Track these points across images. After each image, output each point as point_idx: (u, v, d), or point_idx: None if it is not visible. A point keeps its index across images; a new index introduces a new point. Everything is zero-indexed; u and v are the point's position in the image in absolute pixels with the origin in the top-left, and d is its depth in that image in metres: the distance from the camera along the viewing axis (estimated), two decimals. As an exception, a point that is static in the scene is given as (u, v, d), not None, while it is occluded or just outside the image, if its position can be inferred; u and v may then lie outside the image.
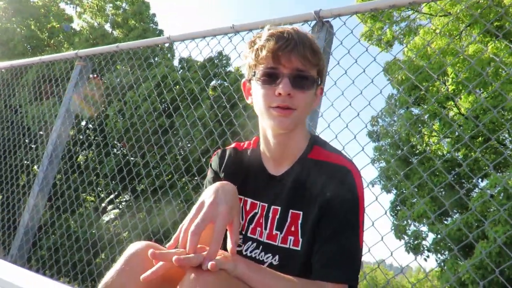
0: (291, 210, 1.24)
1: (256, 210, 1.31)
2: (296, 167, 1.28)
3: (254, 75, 1.22)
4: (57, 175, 5.33)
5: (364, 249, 2.24)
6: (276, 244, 1.23)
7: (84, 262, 3.56)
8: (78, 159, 10.27)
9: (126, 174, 3.79)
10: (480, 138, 9.10)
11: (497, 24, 10.86)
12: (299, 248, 1.20)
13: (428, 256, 10.50)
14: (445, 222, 10.35)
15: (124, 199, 13.39)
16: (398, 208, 11.36)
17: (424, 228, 10.55)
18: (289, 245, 1.21)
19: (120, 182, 4.02)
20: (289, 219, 1.24)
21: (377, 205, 2.41)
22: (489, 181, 7.68)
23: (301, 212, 1.22)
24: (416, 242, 10.33)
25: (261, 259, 1.25)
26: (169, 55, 14.86)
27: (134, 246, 1.17)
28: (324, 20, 2.76)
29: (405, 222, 10.53)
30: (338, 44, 2.73)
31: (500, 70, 9.54)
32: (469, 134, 8.18)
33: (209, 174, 1.45)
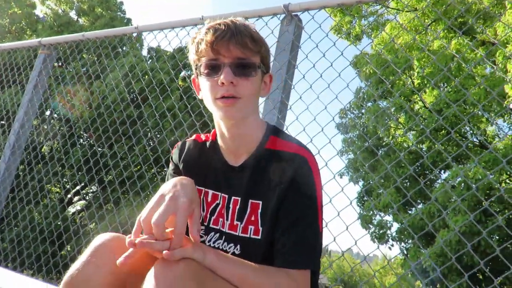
0: (250, 200, 1.26)
1: (218, 201, 1.33)
2: (253, 157, 1.30)
3: (198, 70, 1.25)
4: (20, 166, 5.17)
5: (330, 238, 2.32)
6: (237, 234, 1.26)
7: (48, 254, 3.48)
8: (43, 150, 9.97)
9: (93, 165, 3.73)
10: (443, 131, 9.43)
11: (461, 20, 11.22)
12: (259, 237, 1.23)
13: (392, 245, 10.87)
14: (409, 212, 10.70)
15: (91, 190, 13.13)
16: (365, 198, 11.65)
17: (389, 218, 10.92)
18: (250, 234, 1.24)
19: (87, 173, 3.95)
20: (248, 209, 1.26)
21: (344, 196, 2.47)
22: (451, 172, 7.98)
23: (260, 202, 1.25)
24: (381, 232, 10.66)
25: (224, 249, 1.27)
26: (137, 44, 14.58)
27: (101, 238, 1.16)
28: (293, 13, 2.78)
29: (371, 212, 10.82)
30: (307, 38, 2.77)
31: (463, 65, 9.87)
32: (432, 127, 8.45)
33: (170, 167, 1.46)
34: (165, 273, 0.94)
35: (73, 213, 12.72)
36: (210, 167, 1.36)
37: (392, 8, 12.30)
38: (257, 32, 1.25)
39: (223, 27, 1.18)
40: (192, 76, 1.36)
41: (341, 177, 12.10)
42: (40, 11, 17.27)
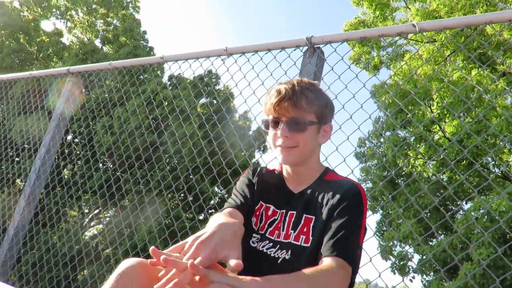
0: (305, 215, 1.47)
1: (276, 217, 1.55)
2: (312, 185, 1.54)
3: (266, 121, 1.53)
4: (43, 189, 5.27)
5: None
6: (290, 241, 1.45)
7: (70, 279, 3.50)
8: (64, 173, 10.15)
9: (116, 190, 3.78)
10: (464, 162, 9.30)
11: (480, 52, 11.21)
12: (308, 245, 1.40)
13: (413, 277, 10.57)
14: (430, 243, 10.44)
15: (109, 215, 13.23)
16: (384, 229, 11.43)
17: (410, 249, 10.64)
18: (301, 242, 1.42)
19: (108, 198, 4.01)
20: (302, 221, 1.47)
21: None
22: (473, 203, 7.82)
23: (314, 217, 1.45)
24: (402, 263, 10.40)
25: (275, 255, 1.44)
26: (158, 71, 14.94)
27: (126, 263, 1.19)
28: (315, 46, 2.83)
29: (391, 243, 10.59)
30: (329, 70, 2.81)
31: (483, 96, 9.80)
32: (454, 158, 8.34)
33: (243, 179, 1.71)
34: None
35: (91, 237, 12.79)
36: (276, 189, 1.62)
37: (412, 40, 12.38)
38: (316, 91, 1.50)
39: (284, 91, 1.46)
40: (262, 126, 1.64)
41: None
42: (66, 39, 17.94)
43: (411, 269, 10.44)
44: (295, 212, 1.51)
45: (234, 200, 1.64)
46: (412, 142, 10.07)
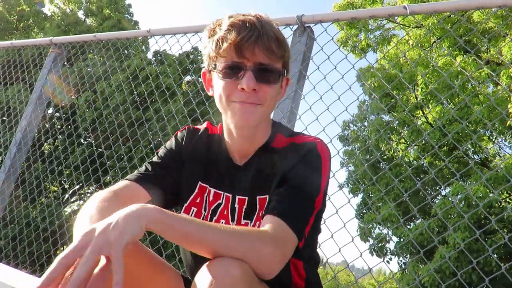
0: (258, 197, 1.21)
1: (220, 201, 1.25)
2: (258, 155, 1.24)
3: (215, 67, 1.15)
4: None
5: (335, 249, 2.33)
6: None
7: (50, 254, 3.48)
8: (44, 148, 9.99)
9: (99, 166, 3.74)
10: (445, 148, 9.47)
11: (466, 39, 11.29)
12: None
13: (390, 259, 10.86)
14: (408, 226, 10.69)
15: (89, 191, 13.14)
16: (364, 211, 11.64)
17: (388, 232, 10.89)
18: None
19: (90, 173, 3.97)
20: (258, 206, 1.20)
21: (344, 208, 2.49)
22: (452, 189, 8.00)
23: (267, 196, 1.19)
24: (379, 245, 10.65)
25: None
26: (143, 47, 14.67)
27: None
28: (305, 25, 2.81)
29: (370, 225, 10.82)
30: (319, 50, 2.79)
31: (466, 83, 9.92)
32: (438, 144, 8.49)
33: (161, 153, 1.35)
34: (225, 276, 0.85)
35: (73, 213, 12.73)
36: (215, 162, 1.29)
37: (398, 23, 12.39)
38: (282, 34, 1.17)
39: (249, 26, 1.08)
40: (203, 70, 1.27)
41: (341, 189, 12.08)
42: (48, 9, 17.41)
43: (389, 251, 10.72)
44: (245, 198, 1.22)
45: (141, 172, 1.27)
46: (395, 127, 10.19)
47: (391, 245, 11.04)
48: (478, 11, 8.97)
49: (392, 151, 11.17)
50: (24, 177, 4.37)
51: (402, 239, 9.50)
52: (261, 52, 1.10)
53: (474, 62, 10.54)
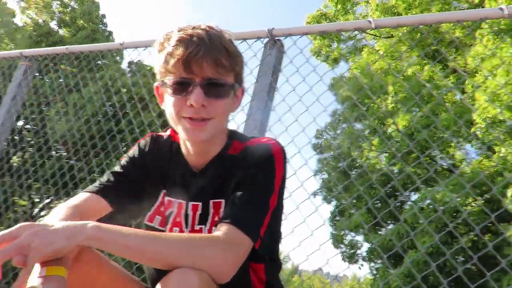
0: (211, 201, 1.19)
1: (172, 209, 1.24)
2: (215, 163, 1.23)
3: (165, 83, 1.14)
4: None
5: (303, 257, 2.40)
6: None
7: (17, 271, 3.41)
8: (14, 161, 9.74)
9: (69, 179, 3.71)
10: (414, 155, 9.75)
11: (434, 48, 11.71)
12: None
13: (362, 265, 11.04)
14: (380, 233, 10.90)
15: (56, 205, 12.82)
16: (337, 218, 11.81)
17: (360, 238, 11.10)
18: None
19: (61, 187, 3.93)
20: (211, 210, 1.19)
21: (317, 216, 2.56)
22: (420, 194, 8.24)
23: (223, 200, 1.18)
24: (351, 251, 10.82)
25: None
26: (117, 57, 14.53)
27: None
28: (276, 38, 2.89)
29: (343, 232, 10.99)
30: (288, 63, 2.89)
31: (435, 91, 10.28)
32: (403, 151, 8.74)
33: (131, 152, 1.34)
34: (182, 285, 0.88)
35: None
36: (174, 170, 1.27)
37: (370, 34, 12.74)
38: (233, 44, 1.16)
39: (197, 41, 1.06)
40: (156, 84, 1.24)
41: (314, 197, 12.26)
42: (20, 19, 17.05)
43: (360, 257, 10.91)
44: (199, 203, 1.21)
45: (102, 183, 1.26)
46: (366, 135, 10.43)
47: (363, 252, 11.25)
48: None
49: (364, 158, 11.42)
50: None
51: (372, 245, 9.69)
52: (209, 67, 1.08)
53: (442, 71, 10.93)
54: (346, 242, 11.20)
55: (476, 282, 2.13)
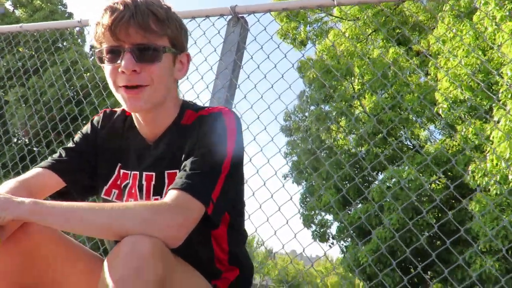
0: (166, 171, 1.18)
1: (128, 181, 1.24)
2: (168, 133, 1.22)
3: (99, 53, 1.13)
4: None
5: (271, 233, 2.41)
6: None
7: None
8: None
9: (30, 164, 3.57)
10: (380, 135, 9.99)
11: (398, 31, 11.91)
12: None
13: (333, 243, 11.33)
14: (349, 212, 11.18)
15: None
16: (308, 199, 12.00)
17: (330, 217, 11.36)
18: None
19: (21, 172, 3.78)
20: (166, 181, 1.18)
21: (288, 197, 2.56)
22: (386, 173, 8.46)
23: (177, 170, 1.15)
24: (322, 231, 11.06)
25: None
26: (79, 40, 14.05)
27: None
28: (239, 15, 2.85)
29: (313, 212, 11.18)
30: (252, 40, 2.85)
31: (399, 73, 10.49)
32: (371, 132, 8.93)
33: (84, 129, 1.34)
34: (132, 253, 0.86)
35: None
36: (126, 143, 1.28)
37: (335, 17, 12.79)
38: (165, 9, 1.13)
39: (122, 7, 1.05)
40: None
41: (285, 179, 12.39)
42: (-29, 0, 16.15)
43: (331, 236, 11.19)
44: (153, 174, 1.19)
45: (55, 158, 1.26)
46: (334, 116, 10.56)
47: (333, 231, 11.53)
48: (408, 3, 9.48)
49: (332, 139, 11.59)
50: None
51: (342, 224, 9.93)
52: (136, 32, 1.06)
53: (406, 53, 11.14)
54: (316, 222, 11.42)
55: (442, 257, 2.19)
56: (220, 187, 1.07)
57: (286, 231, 2.47)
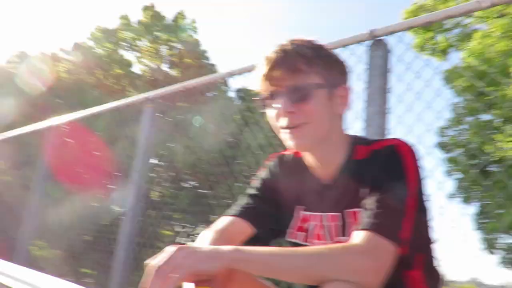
0: (347, 211, 1.19)
1: (311, 222, 1.27)
2: (343, 171, 1.22)
3: (262, 101, 1.22)
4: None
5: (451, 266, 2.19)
6: None
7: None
8: (152, 196, 10.78)
9: (203, 207, 3.93)
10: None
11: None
12: None
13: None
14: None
15: (197, 232, 13.71)
16: (483, 221, 10.58)
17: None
18: None
19: (194, 215, 4.19)
20: (349, 220, 1.19)
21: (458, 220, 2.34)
22: None
23: (357, 209, 1.15)
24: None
25: None
26: (222, 87, 15.45)
27: None
28: (378, 38, 2.77)
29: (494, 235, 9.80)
30: (396, 61, 2.75)
31: None
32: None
33: (259, 180, 1.39)
34: None
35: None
36: (305, 185, 1.30)
37: (479, 17, 11.60)
38: (315, 48, 1.18)
39: (274, 55, 1.15)
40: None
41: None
42: (139, 69, 19.28)
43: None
44: (337, 214, 1.20)
45: (242, 205, 1.33)
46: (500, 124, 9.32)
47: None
48: None
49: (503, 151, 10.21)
50: (140, 225, 4.73)
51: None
52: (287, 75, 1.14)
53: None
54: (504, 246, 9.87)
55: None
56: (409, 225, 1.05)
57: (460, 257, 2.24)
